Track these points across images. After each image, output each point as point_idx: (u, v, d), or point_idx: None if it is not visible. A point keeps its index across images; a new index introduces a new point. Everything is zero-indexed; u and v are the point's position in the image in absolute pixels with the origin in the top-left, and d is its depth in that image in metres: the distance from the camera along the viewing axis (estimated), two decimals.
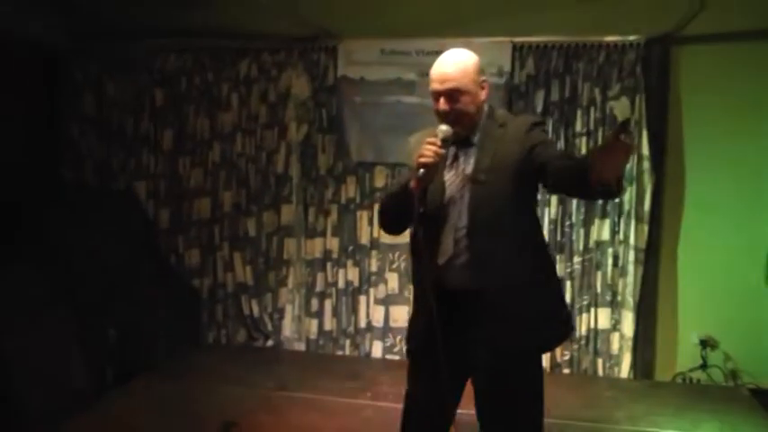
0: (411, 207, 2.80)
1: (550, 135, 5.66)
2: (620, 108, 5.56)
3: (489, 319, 2.88)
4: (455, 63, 2.88)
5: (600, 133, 5.62)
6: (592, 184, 2.42)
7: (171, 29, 6.11)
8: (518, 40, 5.73)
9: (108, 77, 6.36)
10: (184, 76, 6.25)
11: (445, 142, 2.81)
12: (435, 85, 2.86)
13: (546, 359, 5.80)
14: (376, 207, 6.00)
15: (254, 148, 6.21)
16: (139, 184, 6.32)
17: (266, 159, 6.20)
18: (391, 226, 3.14)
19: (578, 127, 5.67)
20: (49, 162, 6.35)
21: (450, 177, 2.91)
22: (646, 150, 5.56)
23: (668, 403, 5.16)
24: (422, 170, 2.75)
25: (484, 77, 2.94)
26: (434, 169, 2.80)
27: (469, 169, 2.90)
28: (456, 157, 2.94)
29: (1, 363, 4.32)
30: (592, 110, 5.66)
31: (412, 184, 2.78)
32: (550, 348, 3.34)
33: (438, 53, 5.86)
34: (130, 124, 6.35)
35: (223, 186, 6.26)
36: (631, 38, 5.56)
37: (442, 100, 2.84)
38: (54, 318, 4.82)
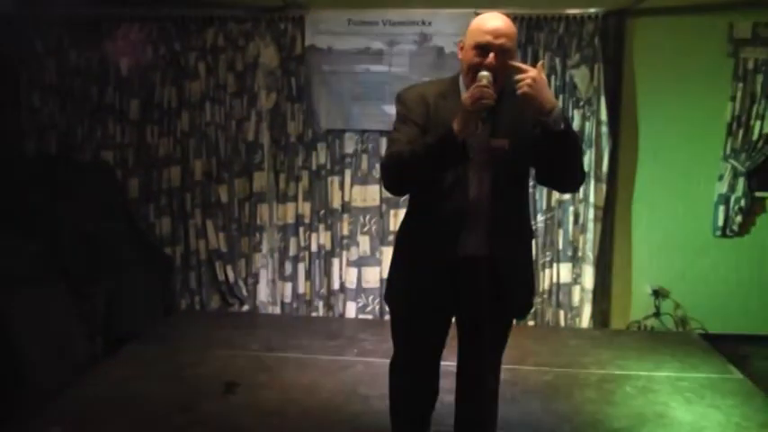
0: (446, 159, 2.75)
1: None
2: (580, 76, 5.90)
3: (498, 282, 2.97)
4: (507, 23, 2.83)
5: (560, 100, 5.92)
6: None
7: None
8: (481, 11, 5.89)
9: (70, 45, 6.32)
10: (150, 45, 6.26)
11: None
12: (488, 38, 2.76)
13: None
14: (347, 172, 6.26)
15: (224, 117, 6.29)
16: (106, 154, 6.35)
17: (236, 127, 6.30)
18: (406, 185, 3.00)
19: None
20: (14, 134, 6.31)
21: (470, 142, 2.76)
22: (604, 116, 5.93)
23: (629, 348, 5.60)
24: (483, 110, 2.68)
25: None
26: (482, 115, 2.74)
27: (487, 135, 2.85)
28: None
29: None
30: (553, 78, 5.96)
31: (458, 127, 2.68)
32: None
33: (405, 23, 6.11)
34: (95, 94, 6.34)
35: (193, 155, 6.33)
36: (590, 10, 5.88)
37: (492, 54, 2.75)
38: (42, 288, 4.88)
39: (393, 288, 3.24)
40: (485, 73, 2.70)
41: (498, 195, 2.93)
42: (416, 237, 3.06)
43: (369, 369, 5.07)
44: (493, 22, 2.81)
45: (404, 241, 3.17)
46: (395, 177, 2.93)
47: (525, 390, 4.79)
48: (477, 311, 2.98)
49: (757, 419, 4.42)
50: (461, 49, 2.91)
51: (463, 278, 2.97)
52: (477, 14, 5.70)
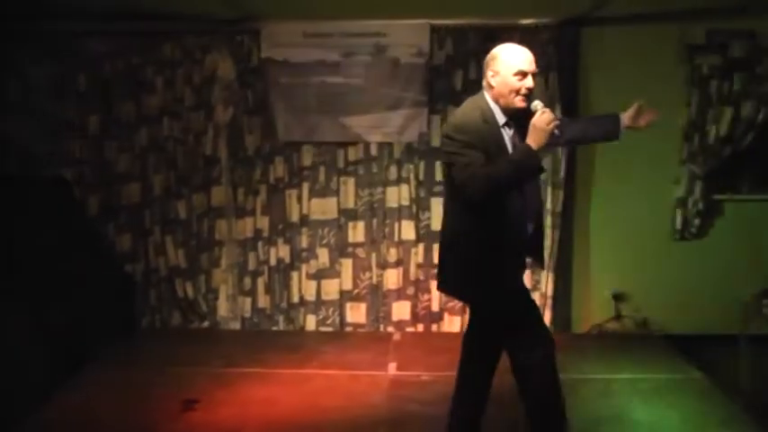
0: (528, 172, 3.38)
1: None
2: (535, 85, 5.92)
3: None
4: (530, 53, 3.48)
5: None
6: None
7: (94, 11, 6.01)
8: (436, 22, 6.00)
9: (30, 61, 6.21)
10: (108, 60, 6.20)
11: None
12: (526, 66, 3.40)
13: None
14: (305, 185, 6.25)
15: (182, 131, 6.26)
16: (66, 171, 6.26)
17: (194, 141, 6.26)
18: (494, 196, 3.43)
19: None
20: None
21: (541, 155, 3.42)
22: None
23: (589, 352, 5.62)
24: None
25: None
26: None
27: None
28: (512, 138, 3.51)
29: None
30: None
31: (536, 145, 3.29)
32: None
33: (360, 34, 6.13)
34: (54, 109, 6.24)
35: (152, 170, 6.28)
36: (544, 20, 5.93)
37: (529, 78, 3.40)
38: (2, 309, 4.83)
39: (505, 287, 3.58)
40: (538, 102, 3.39)
41: (538, 193, 3.71)
42: (502, 235, 3.51)
43: (329, 381, 5.06)
44: (523, 52, 3.45)
45: (491, 243, 3.52)
46: (486, 192, 3.35)
47: None
48: None
49: (715, 418, 4.45)
50: (493, 76, 3.44)
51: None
52: (432, 25, 5.87)
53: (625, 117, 3.77)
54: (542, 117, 3.28)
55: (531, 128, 3.30)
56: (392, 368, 5.36)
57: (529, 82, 3.40)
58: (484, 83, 3.52)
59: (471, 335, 3.81)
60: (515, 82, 3.39)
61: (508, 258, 3.54)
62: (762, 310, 4.65)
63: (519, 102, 3.40)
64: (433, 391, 4.88)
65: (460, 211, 3.55)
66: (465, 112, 3.52)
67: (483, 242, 3.50)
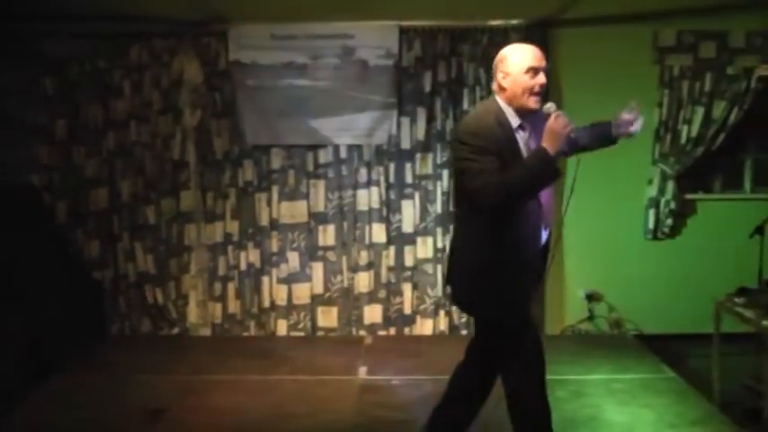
0: (546, 177, 3.26)
1: (439, 113, 6.05)
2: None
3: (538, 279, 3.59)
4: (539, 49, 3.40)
5: None
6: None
7: (60, 13, 5.93)
8: (405, 23, 5.96)
9: None
10: (76, 63, 6.09)
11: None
12: (536, 62, 3.31)
13: (444, 322, 6.21)
14: (274, 189, 6.19)
15: (150, 135, 6.17)
16: (34, 177, 6.14)
17: (162, 146, 6.18)
18: (511, 203, 3.35)
19: (465, 105, 6.02)
20: None
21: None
22: None
23: (563, 353, 5.56)
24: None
25: None
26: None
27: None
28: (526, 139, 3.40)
29: None
30: (477, 89, 6.00)
31: (552, 149, 3.18)
32: None
33: (327, 36, 6.09)
34: (21, 114, 6.10)
35: (120, 175, 6.20)
36: (513, 22, 5.91)
37: (542, 75, 3.32)
38: None
39: (507, 299, 3.45)
40: (551, 104, 3.29)
41: (552, 200, 3.57)
42: (518, 246, 3.39)
43: (297, 387, 5.02)
44: (532, 49, 3.37)
45: (506, 255, 3.40)
46: (501, 200, 3.26)
47: None
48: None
49: (689, 417, 4.45)
50: (504, 78, 3.34)
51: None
52: (401, 27, 5.82)
53: (614, 126, 3.67)
54: (559, 121, 3.18)
55: (546, 132, 3.19)
56: (362, 372, 5.32)
57: (541, 78, 3.32)
58: (494, 86, 3.42)
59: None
60: (528, 80, 3.30)
61: (524, 270, 3.43)
62: (734, 308, 4.62)
63: (533, 103, 3.30)
64: (402, 395, 4.89)
65: (472, 219, 3.47)
66: (478, 115, 3.42)
67: (498, 252, 3.39)
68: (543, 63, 3.33)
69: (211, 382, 5.17)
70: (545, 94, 3.38)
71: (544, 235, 3.48)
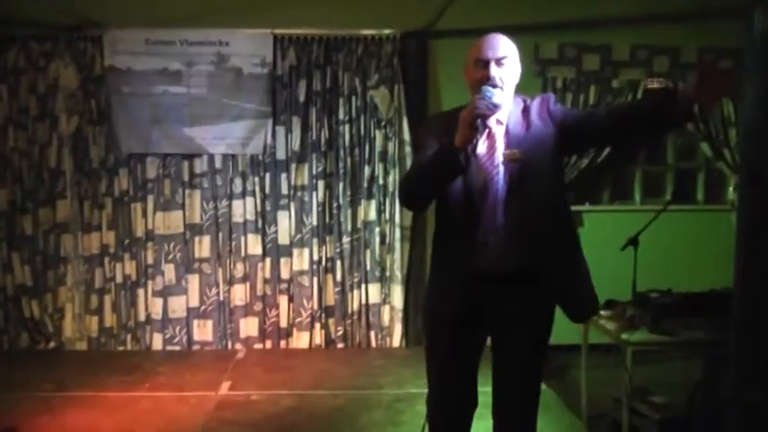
0: (445, 169, 2.83)
1: (314, 123, 5.94)
2: (380, 97, 5.87)
3: (529, 295, 3.00)
4: (503, 37, 3.02)
5: (362, 120, 5.92)
6: (673, 115, 2.70)
7: None
8: (279, 31, 5.88)
9: None
10: None
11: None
12: (486, 53, 2.92)
13: (320, 336, 6.10)
14: (150, 198, 6.04)
15: (27, 142, 6.02)
16: None
17: (39, 154, 6.03)
18: (418, 200, 3.11)
19: (341, 115, 5.94)
20: None
21: (483, 156, 2.90)
22: (407, 136, 5.92)
23: None
24: (479, 120, 2.78)
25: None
26: (483, 128, 2.87)
27: (501, 148, 2.92)
28: (489, 135, 2.94)
29: None
30: (353, 98, 5.93)
31: (458, 140, 2.77)
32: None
33: (202, 43, 5.97)
34: None
35: None
36: (386, 31, 5.85)
37: (492, 65, 2.90)
38: None
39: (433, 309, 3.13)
40: (485, 86, 2.83)
41: (520, 208, 2.91)
42: (440, 257, 3.07)
43: (154, 404, 4.89)
44: (487, 39, 2.99)
45: (438, 262, 3.10)
46: (406, 193, 3.09)
47: (311, 415, 4.70)
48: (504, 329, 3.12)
49: (555, 428, 4.41)
50: (465, 73, 3.02)
51: (482, 292, 2.97)
52: (275, 35, 5.73)
53: (690, 88, 2.68)
54: (469, 104, 2.82)
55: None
56: (224, 388, 5.19)
57: (493, 71, 2.89)
58: None
59: None
60: (475, 72, 2.94)
61: (445, 278, 3.02)
62: (597, 321, 4.53)
63: None
64: (258, 411, 4.78)
65: None
66: (447, 110, 3.14)
67: (434, 256, 3.11)
68: (495, 54, 2.92)
69: (71, 398, 5.00)
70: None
71: (511, 262, 2.90)
